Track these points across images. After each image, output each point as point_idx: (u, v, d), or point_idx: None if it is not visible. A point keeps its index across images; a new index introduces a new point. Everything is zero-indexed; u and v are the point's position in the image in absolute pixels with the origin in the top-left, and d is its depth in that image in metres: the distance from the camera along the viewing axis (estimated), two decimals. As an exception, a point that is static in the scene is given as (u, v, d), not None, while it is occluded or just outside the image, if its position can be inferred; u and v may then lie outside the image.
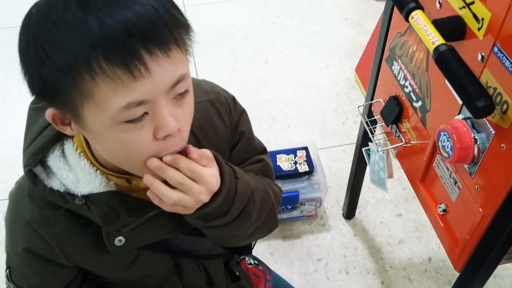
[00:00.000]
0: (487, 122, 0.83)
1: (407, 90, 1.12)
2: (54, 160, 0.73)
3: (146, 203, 0.77)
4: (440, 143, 0.91)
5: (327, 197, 1.87)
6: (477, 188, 0.90)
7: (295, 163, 1.67)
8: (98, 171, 0.74)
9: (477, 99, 0.73)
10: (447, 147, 0.89)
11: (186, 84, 0.63)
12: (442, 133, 0.90)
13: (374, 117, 1.31)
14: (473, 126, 0.87)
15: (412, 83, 1.08)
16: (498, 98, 0.79)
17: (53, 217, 0.74)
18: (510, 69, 0.75)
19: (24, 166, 0.71)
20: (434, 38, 0.82)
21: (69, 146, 0.74)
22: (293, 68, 2.39)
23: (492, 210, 0.86)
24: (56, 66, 0.55)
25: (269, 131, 2.12)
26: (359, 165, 1.59)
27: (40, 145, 0.72)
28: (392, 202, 1.86)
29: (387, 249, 1.73)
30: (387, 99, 1.21)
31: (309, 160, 1.68)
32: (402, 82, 1.13)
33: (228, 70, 2.38)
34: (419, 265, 1.67)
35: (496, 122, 0.81)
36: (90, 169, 0.73)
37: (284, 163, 1.67)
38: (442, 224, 1.06)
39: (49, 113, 0.64)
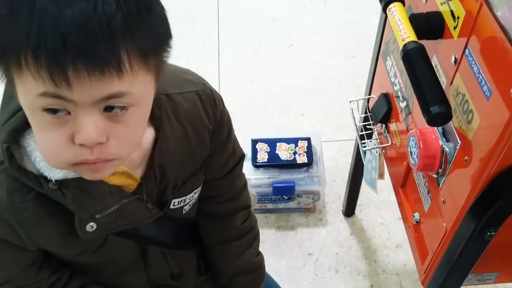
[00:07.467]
0: (455, 132, 0.76)
1: (396, 88, 1.04)
2: (29, 140, 0.69)
3: (121, 189, 0.76)
4: (409, 149, 0.85)
5: (330, 191, 1.81)
6: (443, 201, 0.83)
7: (295, 153, 1.62)
8: None
9: (432, 105, 0.66)
10: (414, 154, 0.82)
11: (127, 101, 0.58)
12: (411, 138, 0.84)
13: (368, 113, 1.24)
14: (443, 134, 0.80)
15: (400, 81, 1.01)
16: (465, 106, 0.72)
17: (21, 203, 0.71)
18: (477, 75, 0.68)
19: (2, 142, 0.67)
20: (405, 34, 0.75)
21: None
22: (318, 55, 2.31)
23: (454, 228, 0.79)
24: None
25: (282, 117, 2.07)
26: (358, 161, 1.52)
27: (19, 122, 0.68)
28: (397, 204, 1.77)
29: (382, 252, 1.66)
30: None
31: (309, 152, 1.62)
32: (392, 79, 1.06)
33: (251, 52, 2.33)
34: (414, 272, 1.59)
35: (462, 132, 0.74)
36: None
37: (283, 152, 1.62)
38: (414, 235, 0.99)
39: None
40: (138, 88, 0.58)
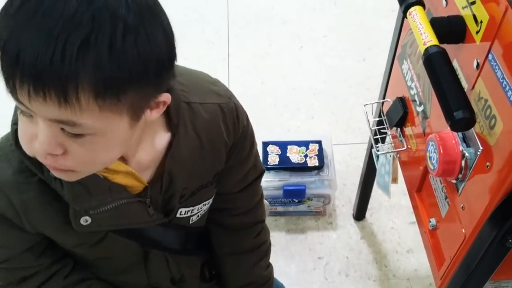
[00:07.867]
0: (476, 137, 0.75)
1: (412, 92, 1.04)
2: None
3: (125, 189, 0.75)
4: (428, 154, 0.84)
5: (340, 195, 1.80)
6: (463, 207, 0.82)
7: (305, 156, 1.61)
8: None
9: (456, 110, 0.66)
10: (433, 159, 0.81)
11: (79, 131, 0.57)
12: (430, 143, 0.83)
13: (383, 117, 1.23)
14: (463, 139, 0.79)
15: (417, 85, 1.00)
16: (488, 112, 0.71)
17: (25, 184, 0.72)
18: (501, 81, 0.67)
19: (13, 124, 0.68)
20: (426, 38, 0.74)
21: None
22: (328, 57, 2.31)
23: (473, 234, 0.78)
24: None
25: (292, 120, 2.06)
26: (370, 165, 1.51)
27: None
28: (408, 208, 1.76)
29: (393, 257, 1.64)
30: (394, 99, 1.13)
31: (320, 155, 1.61)
32: (409, 83, 1.05)
33: (261, 53, 2.33)
34: (425, 278, 1.58)
35: (483, 137, 0.73)
36: None
37: (294, 155, 1.61)
38: (430, 240, 0.98)
39: None
40: (94, 122, 0.56)
